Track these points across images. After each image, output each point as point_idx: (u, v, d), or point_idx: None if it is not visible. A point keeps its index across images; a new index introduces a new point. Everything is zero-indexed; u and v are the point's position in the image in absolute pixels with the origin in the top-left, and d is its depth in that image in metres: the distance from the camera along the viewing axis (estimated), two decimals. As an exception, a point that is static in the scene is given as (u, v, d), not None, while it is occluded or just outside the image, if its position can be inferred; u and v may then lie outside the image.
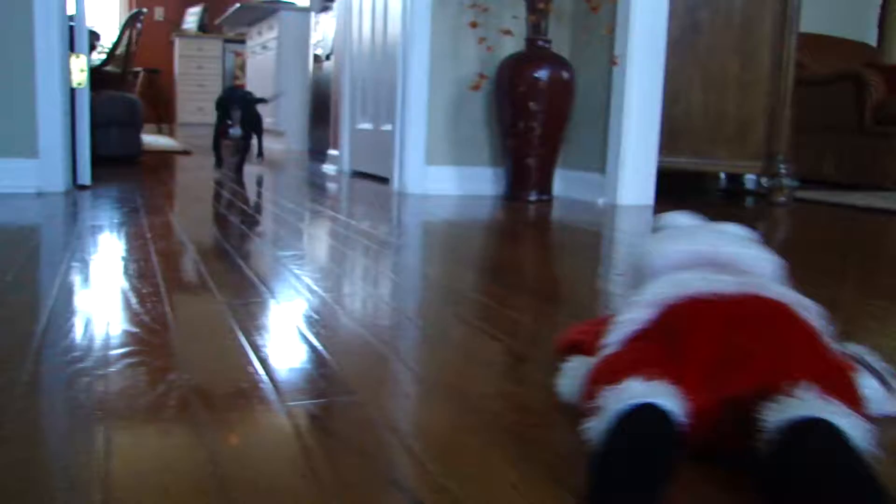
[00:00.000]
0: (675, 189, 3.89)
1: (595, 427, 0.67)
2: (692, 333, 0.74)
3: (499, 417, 0.85)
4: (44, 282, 1.43)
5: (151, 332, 1.12)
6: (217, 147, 4.31)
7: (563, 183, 3.49)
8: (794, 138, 4.93)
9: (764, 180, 3.54)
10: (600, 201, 3.22)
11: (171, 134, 9.65)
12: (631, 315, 0.79)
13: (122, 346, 1.05)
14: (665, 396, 0.67)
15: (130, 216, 2.32)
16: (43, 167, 2.83)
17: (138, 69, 9.41)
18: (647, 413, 0.65)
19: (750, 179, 4.82)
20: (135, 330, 1.13)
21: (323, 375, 0.97)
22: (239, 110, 4.15)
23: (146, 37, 9.60)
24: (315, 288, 1.45)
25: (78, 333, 1.10)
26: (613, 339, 0.79)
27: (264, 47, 7.31)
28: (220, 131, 4.22)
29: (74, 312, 1.22)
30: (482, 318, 1.26)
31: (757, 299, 0.76)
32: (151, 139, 7.67)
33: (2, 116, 2.77)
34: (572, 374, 0.86)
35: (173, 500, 0.65)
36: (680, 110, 3.46)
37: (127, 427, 0.79)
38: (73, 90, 2.99)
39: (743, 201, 3.68)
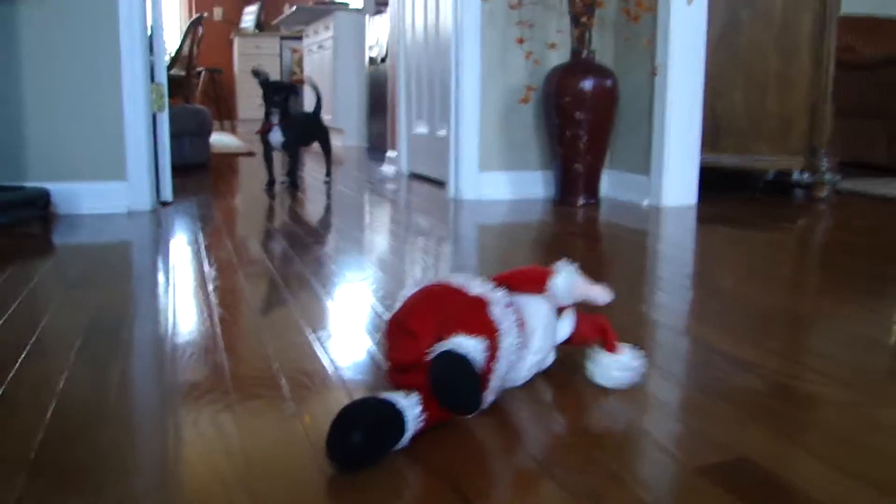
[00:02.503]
0: (720, 184, 4.04)
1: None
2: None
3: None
4: (148, 296, 1.69)
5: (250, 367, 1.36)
6: (268, 159, 3.99)
7: (610, 184, 3.67)
8: (845, 123, 5.02)
9: (805, 175, 3.67)
10: (645, 203, 3.40)
11: (233, 130, 10.01)
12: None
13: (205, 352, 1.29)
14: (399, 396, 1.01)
15: (213, 236, 2.58)
16: (131, 188, 3.12)
17: (200, 69, 9.78)
18: (374, 401, 0.99)
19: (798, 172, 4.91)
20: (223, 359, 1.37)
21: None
22: (277, 104, 3.82)
23: (206, 37, 9.96)
24: (382, 313, 1.68)
25: (194, 360, 1.35)
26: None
27: (320, 46, 7.57)
28: (263, 133, 3.93)
29: (179, 332, 1.46)
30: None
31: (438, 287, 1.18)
32: (216, 138, 8.01)
33: (96, 144, 3.07)
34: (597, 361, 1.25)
35: (280, 460, 0.88)
36: (722, 108, 3.60)
37: (231, 401, 1.03)
38: (153, 115, 3.27)
39: (788, 196, 3.80)
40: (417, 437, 1.01)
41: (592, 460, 0.98)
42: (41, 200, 2.80)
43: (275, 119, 3.88)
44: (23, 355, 1.37)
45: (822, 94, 3.60)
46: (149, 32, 3.22)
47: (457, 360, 1.01)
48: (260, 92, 4.00)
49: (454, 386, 1.00)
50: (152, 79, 3.23)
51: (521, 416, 1.13)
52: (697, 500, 0.89)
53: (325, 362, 1.35)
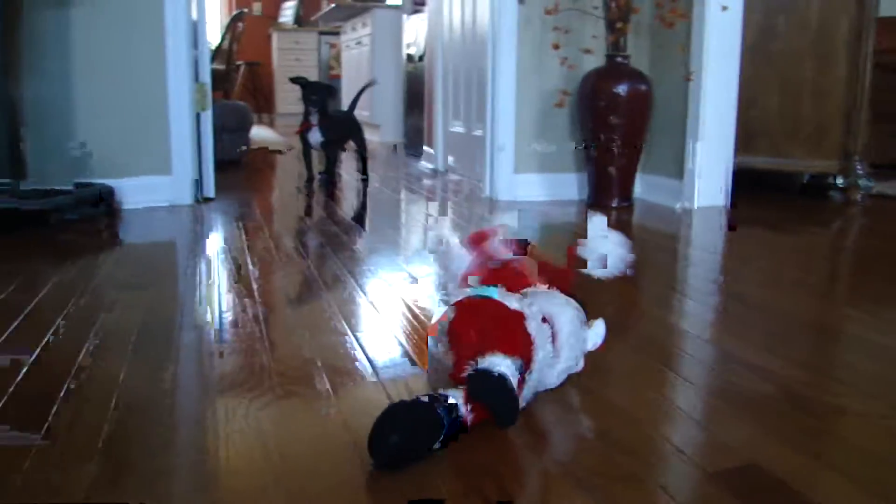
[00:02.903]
0: (754, 186, 4.06)
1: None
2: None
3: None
4: (190, 292, 1.78)
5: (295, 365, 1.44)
6: (306, 157, 4.09)
7: (644, 186, 3.71)
8: (885, 126, 4.99)
9: (840, 180, 3.68)
10: (678, 206, 3.43)
11: (271, 124, 10.14)
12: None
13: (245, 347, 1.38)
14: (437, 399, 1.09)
15: (253, 234, 2.68)
16: (175, 183, 3.23)
17: (240, 63, 9.93)
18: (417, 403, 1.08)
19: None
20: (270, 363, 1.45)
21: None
22: (316, 104, 3.90)
23: (246, 31, 10.10)
24: (417, 312, 1.75)
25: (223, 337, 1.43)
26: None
27: (358, 43, 7.65)
28: (301, 132, 4.01)
29: (224, 330, 1.55)
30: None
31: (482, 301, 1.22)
32: (255, 132, 8.13)
33: (142, 140, 3.18)
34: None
35: (318, 455, 0.96)
36: (757, 112, 3.63)
37: (272, 398, 1.10)
38: (197, 113, 3.37)
39: (823, 199, 3.81)
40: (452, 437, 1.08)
41: (613, 463, 1.05)
42: (102, 197, 2.92)
43: (314, 119, 3.95)
44: (83, 351, 1.47)
45: (857, 100, 3.60)
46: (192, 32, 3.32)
47: (495, 380, 1.09)
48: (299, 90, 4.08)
49: (494, 405, 1.09)
50: (196, 78, 3.33)
51: (548, 420, 1.20)
52: None
53: (362, 360, 1.42)
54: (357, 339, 1.55)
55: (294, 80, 4.10)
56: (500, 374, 1.10)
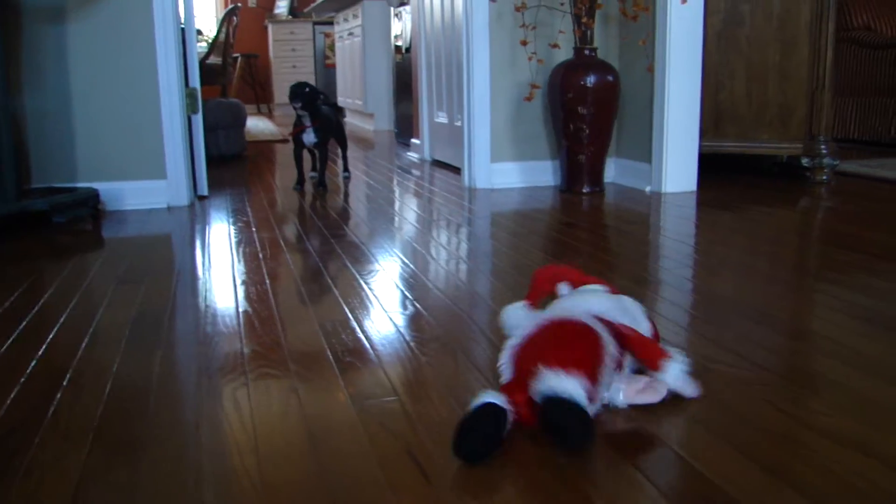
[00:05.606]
0: (725, 168, 4.23)
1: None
2: (519, 356, 1.29)
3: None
4: (189, 288, 1.97)
5: (271, 343, 1.64)
6: (298, 159, 4.17)
7: (616, 170, 3.89)
8: (861, 101, 5.16)
9: (805, 160, 3.85)
10: (647, 189, 3.62)
11: (269, 114, 10.33)
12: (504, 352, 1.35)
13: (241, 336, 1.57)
14: (497, 399, 1.19)
15: (243, 231, 2.87)
16: (170, 186, 3.43)
17: (236, 55, 10.11)
18: (488, 406, 1.17)
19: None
20: (258, 349, 1.65)
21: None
22: (306, 109, 4.00)
23: (241, 23, 10.27)
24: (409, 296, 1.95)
25: (212, 321, 1.63)
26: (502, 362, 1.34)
27: (350, 34, 7.82)
28: (295, 134, 4.13)
29: (214, 305, 1.75)
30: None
31: (557, 322, 1.31)
32: (252, 123, 8.33)
33: (137, 146, 3.37)
34: (511, 313, 1.50)
35: (280, 427, 1.15)
36: (724, 97, 3.80)
37: (246, 380, 1.30)
38: (189, 116, 3.56)
39: (796, 179, 3.98)
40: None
41: (614, 464, 1.24)
42: (92, 200, 3.11)
43: (307, 121, 4.07)
44: (84, 343, 1.67)
45: (820, 81, 3.77)
46: (181, 40, 3.50)
47: (568, 406, 1.13)
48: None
49: (568, 433, 1.13)
50: (186, 84, 3.52)
51: (481, 393, 1.39)
52: (601, 457, 1.14)
53: (327, 349, 1.62)
54: (325, 329, 1.75)
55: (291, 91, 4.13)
56: (571, 399, 1.14)
